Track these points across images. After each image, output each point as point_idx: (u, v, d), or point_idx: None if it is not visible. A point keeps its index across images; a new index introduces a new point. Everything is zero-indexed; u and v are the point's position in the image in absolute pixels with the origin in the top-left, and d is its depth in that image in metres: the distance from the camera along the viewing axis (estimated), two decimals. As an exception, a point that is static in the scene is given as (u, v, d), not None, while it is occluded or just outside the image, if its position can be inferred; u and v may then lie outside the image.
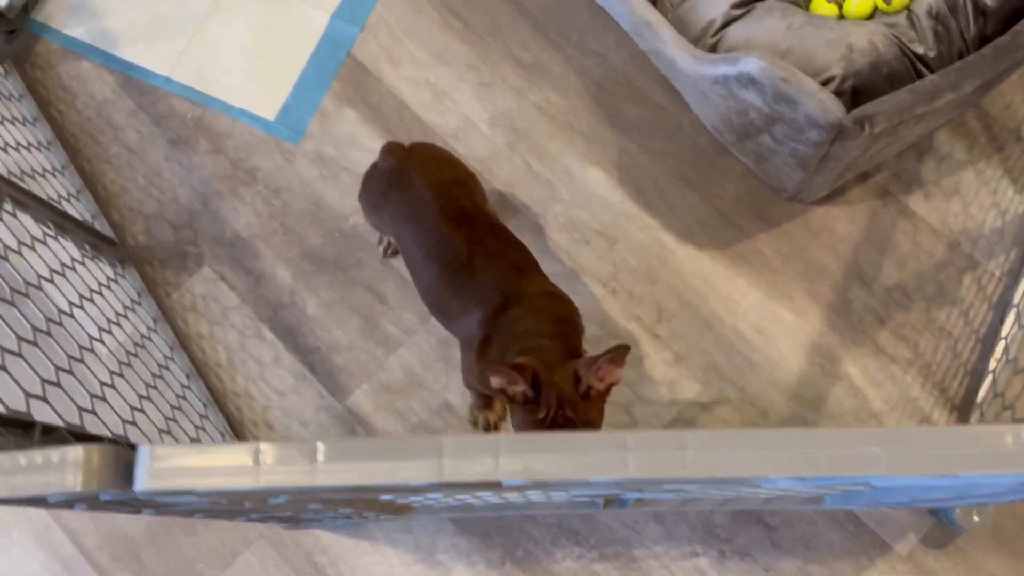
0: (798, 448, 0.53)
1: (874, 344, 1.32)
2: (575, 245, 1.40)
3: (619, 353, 0.94)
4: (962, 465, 0.51)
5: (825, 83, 1.23)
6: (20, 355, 0.87)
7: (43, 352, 0.92)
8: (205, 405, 1.33)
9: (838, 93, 1.23)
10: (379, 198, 1.19)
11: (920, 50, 1.28)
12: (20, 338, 0.90)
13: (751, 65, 1.13)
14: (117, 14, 1.56)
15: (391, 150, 1.20)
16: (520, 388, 0.93)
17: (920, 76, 1.27)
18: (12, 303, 0.99)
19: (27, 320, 0.97)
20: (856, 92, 1.24)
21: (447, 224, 1.10)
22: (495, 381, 0.93)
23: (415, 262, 1.13)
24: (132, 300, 1.35)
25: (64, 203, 1.34)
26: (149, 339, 1.31)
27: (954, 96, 1.13)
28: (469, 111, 1.48)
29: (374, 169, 1.22)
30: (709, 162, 1.43)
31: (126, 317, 1.28)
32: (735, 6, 1.31)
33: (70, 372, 0.97)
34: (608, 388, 0.97)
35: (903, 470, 0.51)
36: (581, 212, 1.42)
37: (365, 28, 1.54)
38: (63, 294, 1.17)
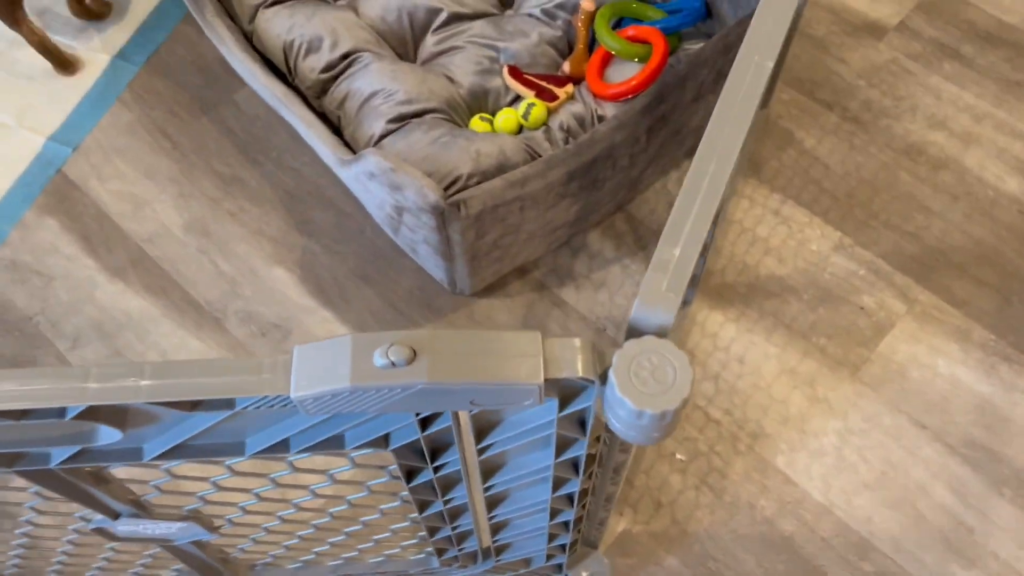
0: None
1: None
2: (251, 338, 1.46)
3: None
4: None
5: (455, 181, 1.39)
6: None
7: None
8: None
9: (466, 188, 1.38)
10: None
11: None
12: None
13: (369, 161, 1.27)
14: None
15: None
16: None
17: (551, 178, 1.44)
18: None
19: None
20: (483, 188, 1.39)
21: None
22: None
23: None
24: None
25: None
26: None
27: (543, 183, 1.29)
28: (166, 219, 1.57)
29: None
30: (388, 261, 1.54)
31: None
32: (391, 121, 1.47)
33: None
34: None
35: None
36: (261, 307, 1.49)
37: (79, 149, 1.65)
38: None
